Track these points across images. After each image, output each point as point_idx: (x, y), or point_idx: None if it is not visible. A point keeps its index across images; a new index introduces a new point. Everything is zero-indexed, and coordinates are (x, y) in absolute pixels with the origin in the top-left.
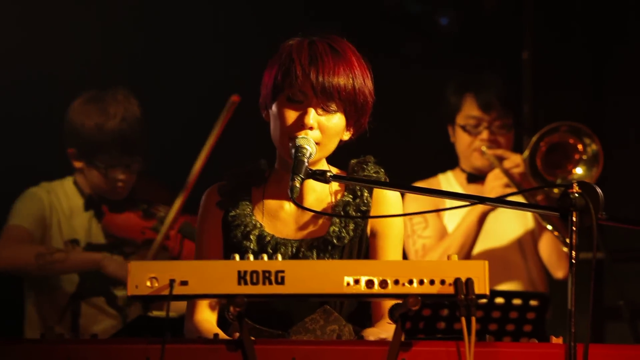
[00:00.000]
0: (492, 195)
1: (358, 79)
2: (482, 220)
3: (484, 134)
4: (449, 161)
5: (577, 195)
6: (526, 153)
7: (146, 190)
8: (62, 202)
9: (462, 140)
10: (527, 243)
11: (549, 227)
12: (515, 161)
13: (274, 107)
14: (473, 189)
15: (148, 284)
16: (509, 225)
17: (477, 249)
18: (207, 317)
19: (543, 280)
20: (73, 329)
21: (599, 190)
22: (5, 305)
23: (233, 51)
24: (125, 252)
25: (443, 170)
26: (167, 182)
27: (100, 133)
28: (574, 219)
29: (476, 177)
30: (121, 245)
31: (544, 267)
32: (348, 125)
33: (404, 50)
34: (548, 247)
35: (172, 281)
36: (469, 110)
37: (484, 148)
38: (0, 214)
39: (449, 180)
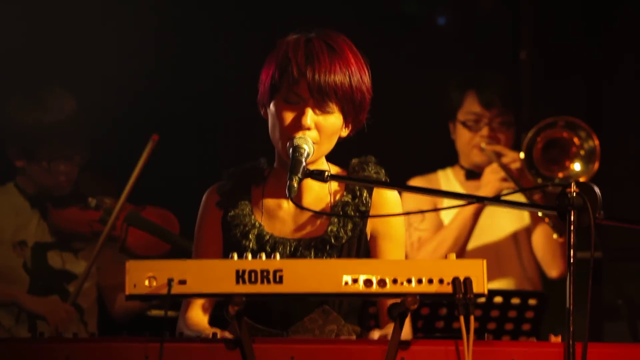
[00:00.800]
0: (489, 188)
1: (355, 76)
2: (477, 214)
3: (484, 131)
4: (449, 158)
5: (575, 194)
6: (522, 149)
7: (90, 184)
8: (5, 207)
9: (462, 137)
10: (523, 240)
11: (546, 220)
12: (513, 157)
13: (271, 107)
14: (471, 186)
15: (146, 283)
16: (504, 221)
17: (471, 244)
18: (197, 314)
19: (538, 278)
20: (31, 329)
21: (597, 189)
22: None
23: (186, 42)
24: (75, 249)
25: (443, 167)
26: (110, 175)
27: (39, 126)
28: (572, 218)
29: (474, 174)
30: (69, 241)
31: (539, 265)
32: (346, 123)
33: (403, 49)
34: (542, 246)
35: (170, 280)
36: (470, 107)
37: (483, 144)
38: None
39: (448, 177)
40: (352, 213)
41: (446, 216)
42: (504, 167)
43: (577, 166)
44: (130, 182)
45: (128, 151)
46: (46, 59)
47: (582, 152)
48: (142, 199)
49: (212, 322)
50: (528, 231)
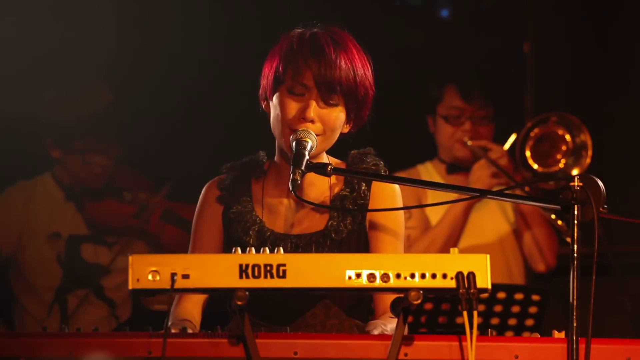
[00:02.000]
0: (480, 185)
1: (359, 70)
2: (468, 211)
3: (467, 125)
4: (427, 152)
5: (578, 188)
6: (507, 145)
7: (126, 178)
8: (41, 198)
9: (443, 131)
10: (507, 236)
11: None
12: (499, 152)
13: (274, 99)
14: (454, 180)
15: (150, 277)
16: (488, 218)
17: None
18: (183, 308)
19: (522, 274)
20: (62, 322)
21: (600, 183)
22: None
23: (218, 43)
24: (108, 242)
25: (422, 161)
26: (146, 171)
27: (75, 118)
28: (576, 212)
29: (457, 167)
30: (104, 234)
31: (525, 260)
32: (348, 119)
33: (407, 42)
34: (530, 241)
35: (173, 275)
36: (451, 101)
37: (467, 140)
38: None
39: (429, 171)
40: (351, 206)
41: (432, 213)
42: (494, 163)
43: (569, 160)
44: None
45: (165, 147)
46: (84, 51)
47: (573, 147)
48: (179, 196)
49: (215, 317)
50: (512, 226)
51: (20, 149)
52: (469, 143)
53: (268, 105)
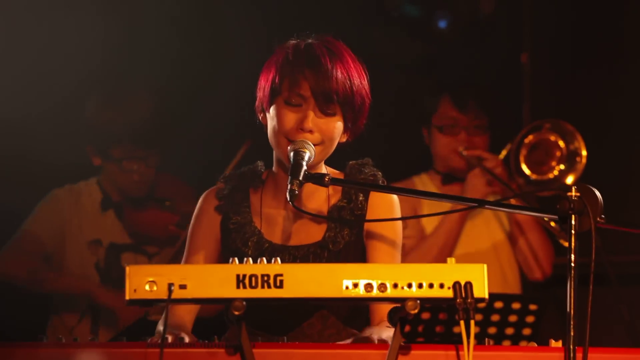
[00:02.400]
0: (475, 193)
1: (355, 80)
2: (463, 220)
3: (462, 135)
4: (423, 164)
5: (575, 198)
6: (503, 153)
7: (167, 187)
8: (85, 203)
9: (438, 142)
10: (502, 244)
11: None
12: (495, 161)
13: (271, 110)
14: (449, 190)
15: (147, 287)
16: (483, 226)
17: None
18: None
19: (518, 282)
20: (92, 331)
21: (597, 193)
22: (31, 310)
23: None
24: (149, 253)
25: (417, 172)
26: (188, 180)
27: (113, 125)
28: (573, 222)
29: (452, 178)
30: (145, 244)
31: (520, 268)
32: (345, 128)
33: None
34: (526, 248)
35: (170, 285)
36: (446, 111)
37: (462, 150)
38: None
39: (424, 183)
40: (348, 217)
41: (427, 223)
42: (490, 172)
43: (562, 167)
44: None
45: (207, 155)
46: (124, 59)
47: (566, 154)
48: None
49: (213, 327)
50: (507, 234)
51: (68, 152)
52: (464, 153)
53: (265, 117)
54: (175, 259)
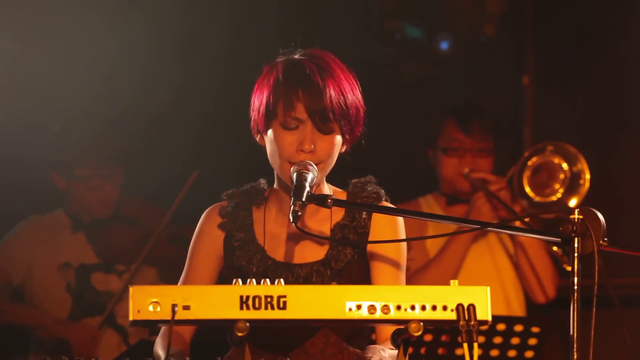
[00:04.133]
0: (480, 217)
1: (348, 94)
2: (467, 243)
3: (467, 158)
4: (428, 184)
5: (578, 221)
6: (510, 173)
7: (132, 205)
8: (52, 231)
9: (443, 164)
10: (505, 266)
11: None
12: (500, 184)
13: (269, 133)
14: (454, 212)
15: (150, 308)
16: (486, 248)
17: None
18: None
19: (521, 305)
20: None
21: (600, 216)
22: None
23: (225, 67)
24: (119, 270)
25: (423, 194)
26: (152, 197)
27: (77, 145)
28: (576, 245)
29: (456, 199)
30: (114, 263)
31: (524, 291)
32: (344, 140)
33: (407, 74)
34: (529, 272)
35: (174, 306)
36: (451, 133)
37: (466, 171)
38: None
39: (430, 204)
40: (351, 236)
41: (432, 245)
42: (494, 195)
43: (567, 190)
44: (175, 203)
45: (170, 174)
46: (78, 83)
47: (570, 176)
48: (186, 218)
49: (214, 347)
50: (511, 259)
51: (33, 186)
52: (469, 175)
53: (262, 139)
54: (137, 274)
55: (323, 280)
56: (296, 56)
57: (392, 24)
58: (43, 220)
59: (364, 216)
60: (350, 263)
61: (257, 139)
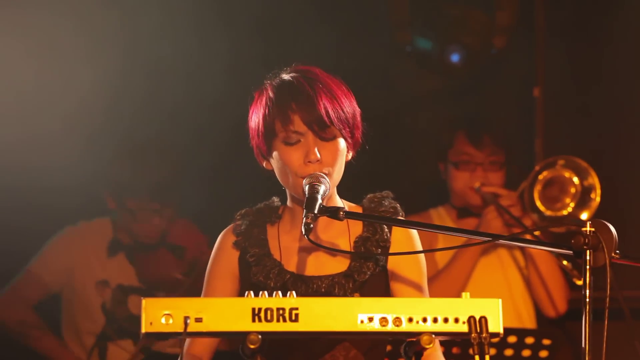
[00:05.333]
0: (491, 230)
1: (340, 97)
2: (476, 256)
3: (478, 171)
4: (440, 197)
5: (590, 234)
6: (522, 187)
7: (179, 234)
8: (97, 243)
9: (454, 177)
10: (516, 280)
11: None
12: (511, 198)
13: (274, 155)
14: (465, 224)
15: (163, 321)
16: (497, 261)
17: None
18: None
19: (532, 318)
20: None
21: (612, 228)
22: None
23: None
24: (158, 297)
25: (434, 205)
26: (200, 226)
27: (132, 179)
28: (588, 257)
29: (467, 212)
30: (154, 289)
31: (534, 305)
32: (347, 145)
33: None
34: (540, 286)
35: (186, 318)
36: (461, 147)
37: (477, 185)
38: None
39: (441, 216)
40: (373, 249)
41: (440, 258)
42: (505, 209)
43: (578, 204)
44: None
45: (220, 204)
46: (143, 118)
47: (581, 190)
48: None
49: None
50: (522, 273)
51: (83, 192)
52: (480, 190)
53: (269, 164)
54: None
55: (345, 292)
56: (283, 75)
57: (403, 36)
58: (90, 227)
59: (385, 230)
60: (372, 276)
61: (264, 164)
